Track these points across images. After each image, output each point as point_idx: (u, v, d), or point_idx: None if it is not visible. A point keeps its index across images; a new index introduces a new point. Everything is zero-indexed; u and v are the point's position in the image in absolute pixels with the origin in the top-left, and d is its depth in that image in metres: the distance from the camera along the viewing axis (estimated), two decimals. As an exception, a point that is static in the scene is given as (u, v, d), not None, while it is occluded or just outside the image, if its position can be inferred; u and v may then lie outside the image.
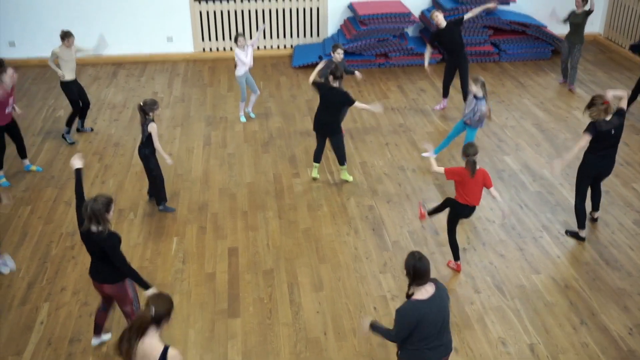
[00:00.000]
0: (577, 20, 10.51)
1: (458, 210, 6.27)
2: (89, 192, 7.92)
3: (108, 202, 4.92)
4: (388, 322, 5.84)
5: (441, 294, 4.33)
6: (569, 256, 6.77)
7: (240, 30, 12.37)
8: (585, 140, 6.54)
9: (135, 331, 3.91)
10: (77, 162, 5.38)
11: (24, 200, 7.80)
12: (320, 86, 7.81)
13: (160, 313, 3.96)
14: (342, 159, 8.01)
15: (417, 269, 4.25)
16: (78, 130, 9.52)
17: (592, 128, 6.48)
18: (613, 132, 6.49)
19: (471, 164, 5.92)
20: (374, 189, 8.01)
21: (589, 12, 10.43)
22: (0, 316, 5.96)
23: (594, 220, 7.32)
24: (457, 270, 6.54)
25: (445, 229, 6.59)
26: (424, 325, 4.25)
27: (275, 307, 6.08)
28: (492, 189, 6.10)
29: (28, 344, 5.67)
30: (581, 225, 6.98)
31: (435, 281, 4.38)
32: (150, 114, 7.13)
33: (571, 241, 7.00)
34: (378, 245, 6.96)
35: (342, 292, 6.27)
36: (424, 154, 8.60)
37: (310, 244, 6.98)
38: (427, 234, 7.12)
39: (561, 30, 12.66)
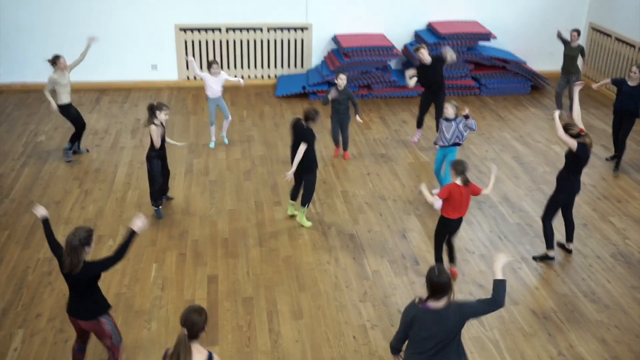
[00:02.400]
0: (572, 53, 11.01)
1: (446, 224, 6.64)
2: (68, 217, 7.87)
3: (88, 236, 4.79)
4: (367, 352, 5.84)
5: (449, 313, 4.20)
6: (547, 288, 6.82)
7: (225, 60, 12.48)
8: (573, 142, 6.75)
9: (183, 353, 3.98)
10: (40, 211, 5.13)
11: (1, 225, 7.70)
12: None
13: (195, 331, 4.03)
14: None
15: (434, 284, 4.20)
16: (74, 152, 9.57)
17: (582, 146, 6.76)
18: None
19: (464, 179, 6.40)
20: (355, 218, 8.03)
21: (583, 49, 10.97)
22: (-28, 342, 5.85)
23: (569, 251, 7.42)
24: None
25: (425, 258, 6.63)
26: (419, 331, 4.25)
27: (254, 335, 6.04)
28: (484, 191, 6.56)
29: (0, 370, 5.57)
30: (551, 245, 7.18)
31: (452, 301, 4.25)
32: (158, 114, 7.25)
33: (549, 272, 7.05)
34: (358, 274, 6.95)
35: (321, 320, 6.25)
36: (434, 191, 8.44)
37: (290, 272, 6.96)
38: (408, 263, 7.14)
39: (541, 66, 12.98)
